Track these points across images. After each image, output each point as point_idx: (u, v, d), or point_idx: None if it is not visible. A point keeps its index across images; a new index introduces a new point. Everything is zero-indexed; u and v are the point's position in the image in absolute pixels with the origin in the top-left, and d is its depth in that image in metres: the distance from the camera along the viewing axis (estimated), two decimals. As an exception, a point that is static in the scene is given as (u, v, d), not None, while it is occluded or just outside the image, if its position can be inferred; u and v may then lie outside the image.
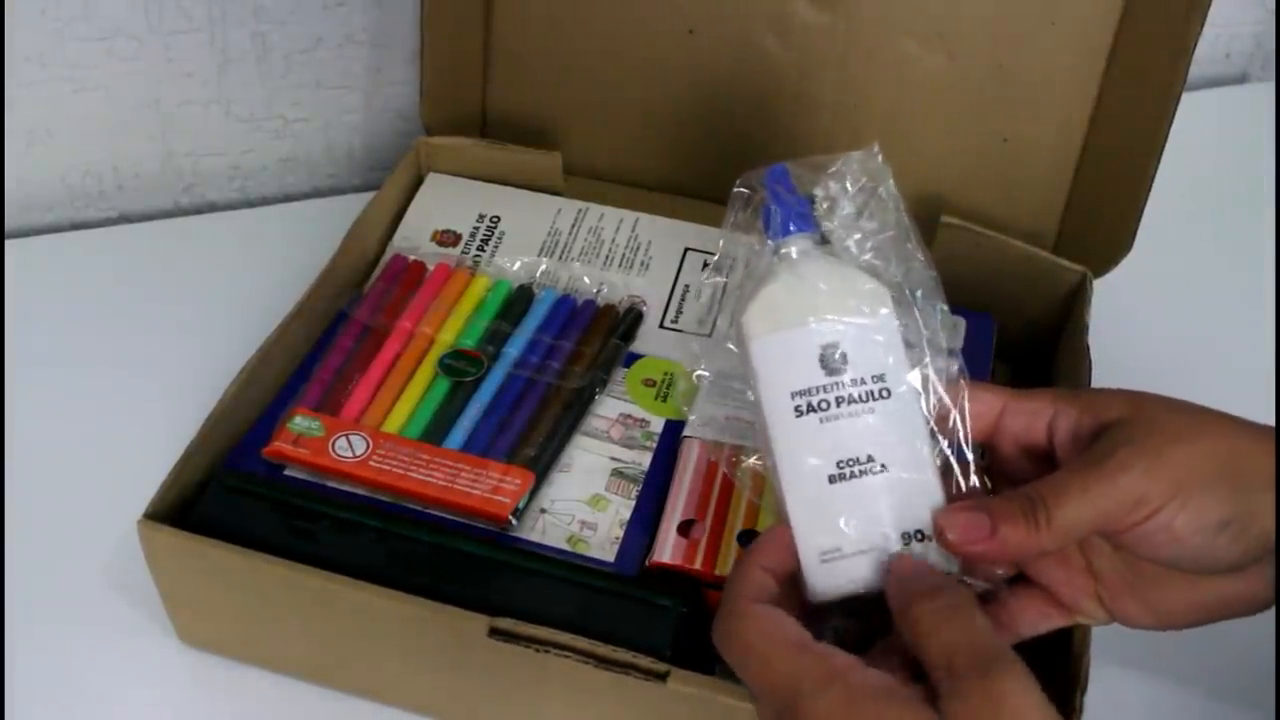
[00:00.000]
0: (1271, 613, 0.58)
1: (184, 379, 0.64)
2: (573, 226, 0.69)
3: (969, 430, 0.45)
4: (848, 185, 0.46)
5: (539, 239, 0.68)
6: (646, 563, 0.54)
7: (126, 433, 0.65)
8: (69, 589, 0.59)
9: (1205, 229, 0.81)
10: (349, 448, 0.56)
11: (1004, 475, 0.46)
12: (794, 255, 0.45)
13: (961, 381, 0.45)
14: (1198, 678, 0.58)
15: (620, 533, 0.55)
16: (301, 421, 0.57)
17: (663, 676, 0.48)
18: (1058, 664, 0.51)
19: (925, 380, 0.44)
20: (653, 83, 0.71)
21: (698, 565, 0.53)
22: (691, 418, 0.58)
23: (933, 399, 0.44)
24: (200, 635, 0.57)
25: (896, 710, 0.39)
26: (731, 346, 0.46)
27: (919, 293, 0.45)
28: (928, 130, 0.69)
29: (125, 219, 0.82)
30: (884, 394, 0.43)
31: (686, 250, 0.68)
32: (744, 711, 0.47)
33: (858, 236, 0.45)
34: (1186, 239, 0.79)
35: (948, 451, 0.45)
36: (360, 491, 0.56)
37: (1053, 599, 0.46)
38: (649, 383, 0.61)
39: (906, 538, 0.43)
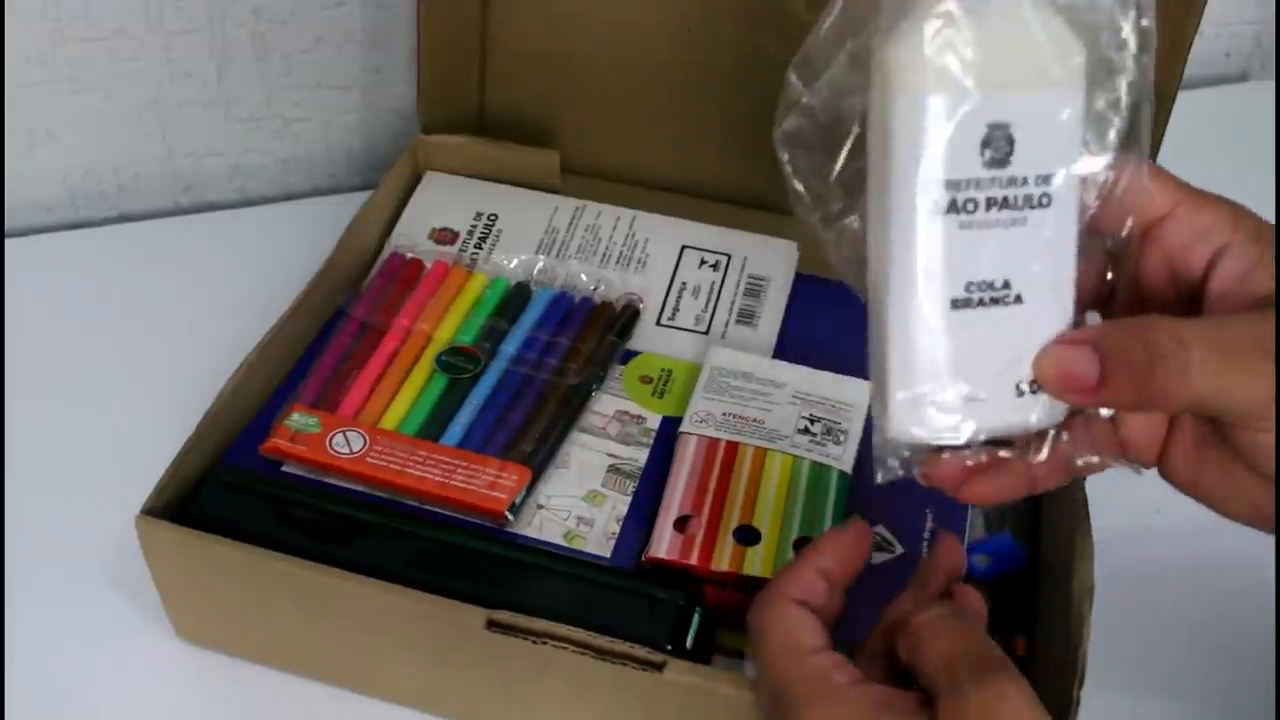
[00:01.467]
0: (1271, 610, 0.59)
1: (183, 377, 0.64)
2: (570, 224, 0.69)
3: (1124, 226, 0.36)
4: None
5: (536, 236, 0.68)
6: (643, 558, 0.54)
7: (125, 430, 0.65)
8: (67, 585, 0.59)
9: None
10: (346, 444, 0.56)
11: (1135, 289, 0.39)
12: None
13: (1134, 165, 0.36)
14: (1198, 677, 0.58)
15: (617, 528, 0.55)
16: (299, 418, 0.57)
17: (660, 667, 0.48)
18: (1055, 656, 0.51)
19: (1089, 175, 0.35)
20: (650, 81, 0.71)
21: (693, 560, 0.53)
22: (688, 413, 0.58)
23: (1095, 192, 0.35)
24: (198, 631, 0.57)
25: (893, 718, 0.39)
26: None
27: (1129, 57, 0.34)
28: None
29: (125, 219, 0.82)
30: (1044, 201, 0.34)
31: (683, 248, 0.68)
32: (741, 702, 0.47)
33: None
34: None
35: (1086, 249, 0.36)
36: (358, 487, 0.56)
37: (1111, 433, 0.39)
38: (646, 379, 0.61)
39: (1020, 389, 0.36)
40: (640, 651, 0.48)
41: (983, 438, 0.37)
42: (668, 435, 0.58)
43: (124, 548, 0.54)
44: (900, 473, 0.38)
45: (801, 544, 0.53)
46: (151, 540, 0.52)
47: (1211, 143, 0.83)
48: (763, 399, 0.58)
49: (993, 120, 0.33)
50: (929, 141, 0.33)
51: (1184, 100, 0.64)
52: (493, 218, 0.69)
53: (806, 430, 0.57)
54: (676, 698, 0.48)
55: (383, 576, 0.50)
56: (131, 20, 0.74)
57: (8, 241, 0.77)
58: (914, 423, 0.36)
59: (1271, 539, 0.40)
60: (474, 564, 0.52)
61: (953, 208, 0.34)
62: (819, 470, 0.55)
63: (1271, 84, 0.93)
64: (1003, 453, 0.38)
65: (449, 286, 0.64)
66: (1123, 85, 0.35)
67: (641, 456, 0.58)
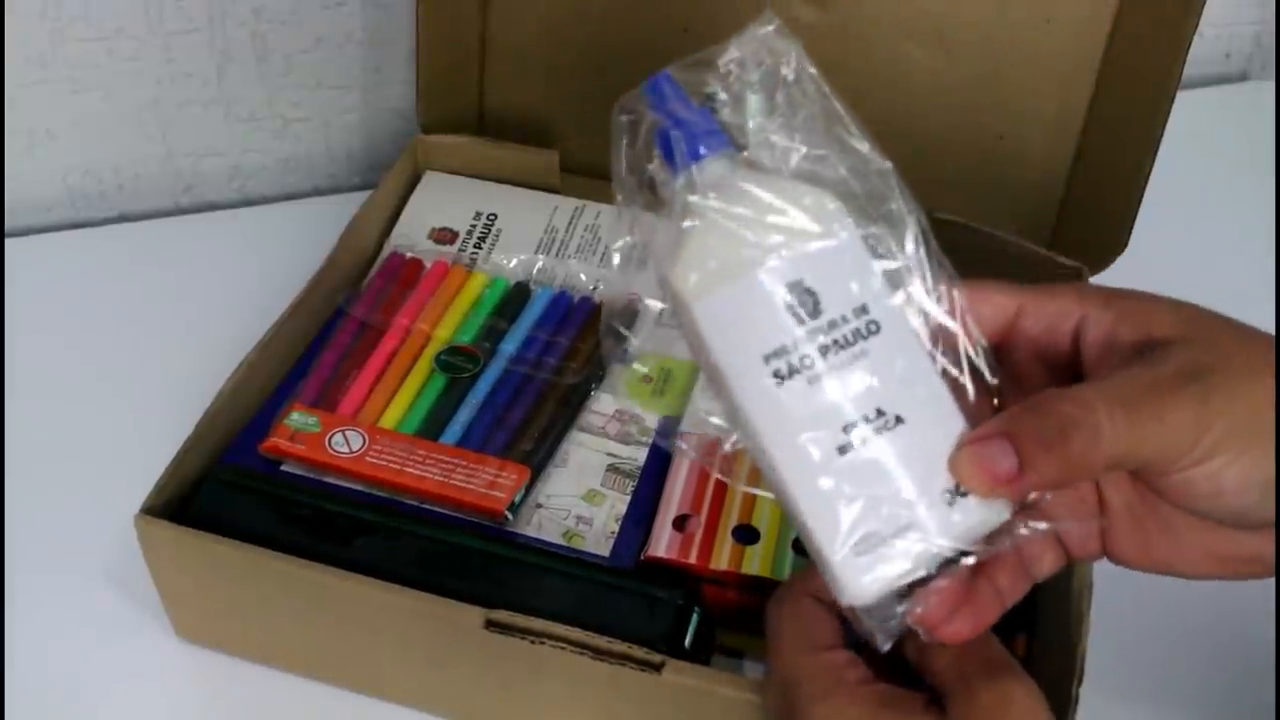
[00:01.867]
0: (1272, 609, 0.59)
1: (182, 376, 0.64)
2: (569, 224, 0.69)
3: (976, 338, 0.37)
4: (749, 73, 0.37)
5: (535, 236, 0.68)
6: (641, 557, 0.54)
7: (125, 429, 0.65)
8: (66, 584, 0.59)
9: (1204, 228, 0.81)
10: (346, 443, 0.56)
11: (1018, 389, 0.39)
12: (713, 182, 0.36)
13: (957, 287, 0.37)
14: (1197, 676, 0.58)
15: (616, 528, 0.55)
16: (298, 417, 0.57)
17: (658, 667, 0.48)
18: (1054, 655, 0.51)
19: (912, 298, 0.36)
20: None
21: (693, 559, 0.53)
22: (688, 412, 0.58)
23: (929, 317, 0.37)
24: (197, 630, 0.57)
25: (898, 717, 0.39)
26: (663, 316, 0.37)
27: (873, 189, 0.37)
28: (924, 128, 0.70)
29: (125, 219, 0.82)
30: (873, 328, 0.36)
31: (683, 248, 0.68)
32: (740, 702, 0.47)
33: (778, 136, 0.36)
34: (1185, 238, 0.79)
35: (955, 371, 0.36)
36: (357, 487, 0.56)
37: (1053, 538, 0.40)
38: (645, 379, 0.61)
39: (948, 499, 0.36)
40: (639, 652, 0.48)
41: (936, 558, 0.37)
42: (666, 434, 0.58)
43: (123, 547, 0.54)
44: (899, 631, 0.38)
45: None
46: (151, 539, 0.53)
47: (1211, 143, 0.83)
48: None
49: (788, 282, 0.35)
50: (737, 329, 0.35)
51: (1184, 100, 0.64)
52: (492, 217, 0.69)
53: None
54: (675, 698, 0.48)
55: (382, 576, 0.50)
56: (131, 20, 0.74)
57: (8, 241, 0.77)
58: (866, 577, 0.36)
59: (1273, 540, 0.40)
60: (473, 563, 0.52)
61: (791, 371, 0.35)
62: None
63: (1271, 84, 0.93)
64: (967, 560, 0.37)
65: (448, 286, 0.64)
66: (892, 207, 0.37)
67: (641, 456, 0.58)
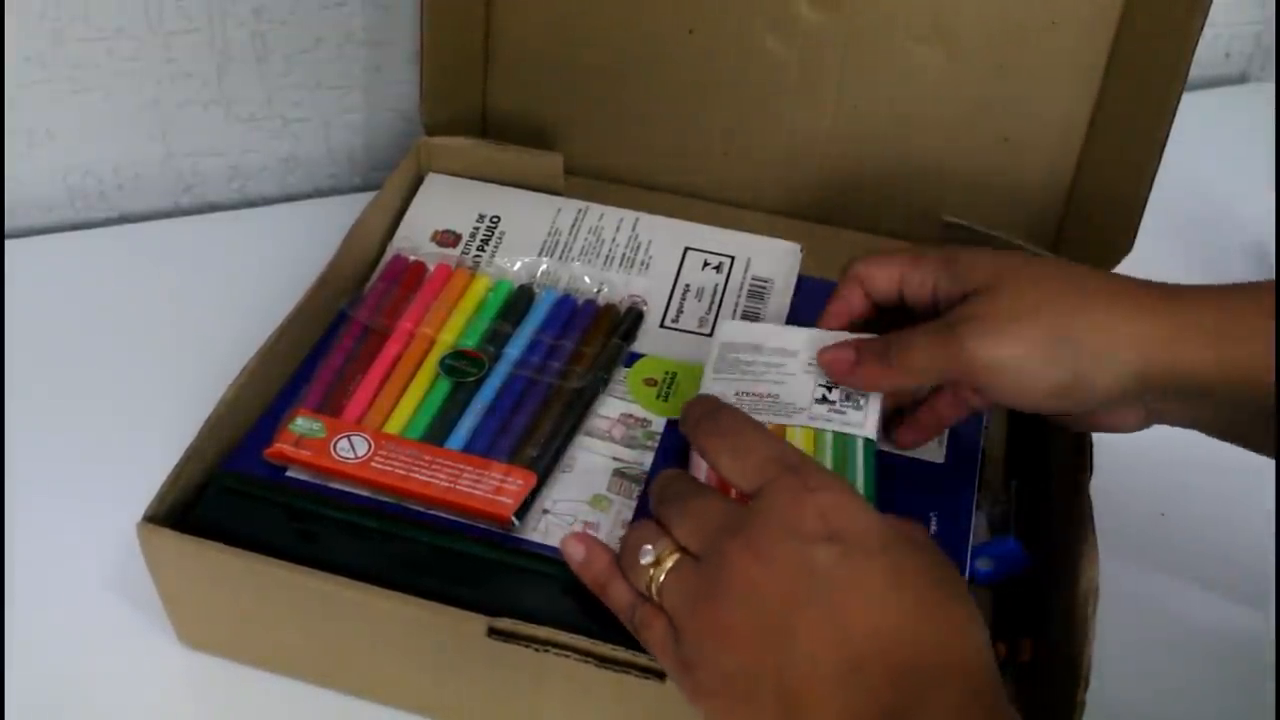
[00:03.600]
0: (1272, 610, 0.59)
1: (184, 379, 0.64)
2: (573, 226, 0.69)
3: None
4: None
5: (539, 239, 0.68)
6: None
7: (126, 434, 0.65)
8: (69, 591, 0.59)
9: (1205, 229, 0.81)
10: (351, 449, 0.56)
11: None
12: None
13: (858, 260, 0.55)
14: (1201, 679, 0.58)
15: (623, 532, 0.55)
16: (303, 423, 0.57)
17: (662, 675, 0.48)
18: (1059, 660, 0.51)
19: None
20: (653, 83, 0.71)
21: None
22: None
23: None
24: (201, 637, 0.57)
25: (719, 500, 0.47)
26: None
27: None
28: (929, 130, 0.70)
29: (125, 219, 0.82)
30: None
31: (687, 249, 0.68)
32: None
33: None
34: (1187, 239, 0.79)
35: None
36: (362, 493, 0.56)
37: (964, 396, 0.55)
38: (650, 382, 0.61)
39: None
40: (642, 659, 0.48)
41: None
42: (673, 438, 0.58)
43: (126, 554, 0.54)
44: None
45: None
46: (153, 547, 0.52)
47: (1211, 143, 0.83)
48: (776, 371, 0.56)
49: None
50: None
51: (1184, 101, 0.64)
52: (495, 220, 0.69)
53: (824, 399, 0.55)
54: (678, 706, 0.48)
55: (385, 582, 0.50)
56: (131, 20, 0.74)
57: (8, 242, 0.77)
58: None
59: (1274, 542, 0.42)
60: (476, 570, 0.52)
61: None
62: (843, 441, 0.54)
63: (1271, 85, 0.93)
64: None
65: (452, 289, 0.64)
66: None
67: (646, 460, 0.57)
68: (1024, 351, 0.48)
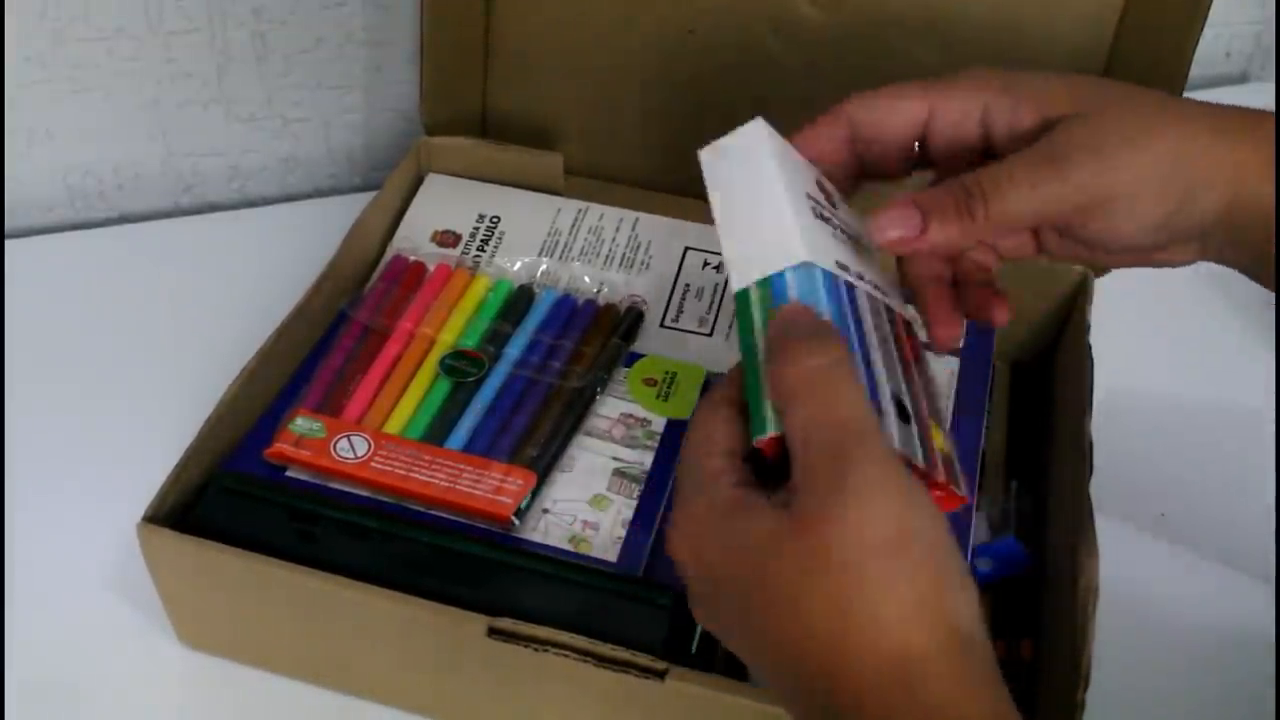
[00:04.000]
0: (1272, 611, 0.59)
1: (184, 380, 0.64)
2: (573, 226, 0.69)
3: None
4: None
5: (539, 239, 0.68)
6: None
7: (126, 434, 0.65)
8: (69, 591, 0.59)
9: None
10: (351, 449, 0.56)
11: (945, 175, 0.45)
12: None
13: (859, 97, 0.46)
14: (1202, 679, 0.58)
15: (623, 532, 0.55)
16: (303, 423, 0.57)
17: (661, 675, 0.48)
18: (1059, 660, 0.51)
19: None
20: (653, 83, 0.71)
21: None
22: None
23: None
24: (201, 637, 0.57)
25: (741, 524, 0.37)
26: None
27: None
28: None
29: (125, 219, 0.82)
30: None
31: (686, 249, 0.68)
32: (744, 709, 0.47)
33: None
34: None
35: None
36: (362, 493, 0.56)
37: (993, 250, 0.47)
38: (650, 382, 0.61)
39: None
40: (642, 659, 0.48)
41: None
42: (673, 438, 0.58)
43: (126, 554, 0.54)
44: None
45: None
46: (153, 547, 0.52)
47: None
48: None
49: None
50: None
51: (1185, 101, 0.64)
52: (495, 220, 0.69)
53: None
54: (678, 705, 0.48)
55: (386, 582, 0.50)
56: (131, 20, 0.74)
57: (8, 241, 0.77)
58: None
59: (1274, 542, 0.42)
60: (476, 570, 0.52)
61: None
62: None
63: (1271, 85, 0.93)
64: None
65: (452, 289, 0.64)
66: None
67: (646, 460, 0.57)
68: (1143, 179, 0.42)
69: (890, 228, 0.42)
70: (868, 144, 0.46)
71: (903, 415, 0.40)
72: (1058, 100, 0.44)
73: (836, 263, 0.41)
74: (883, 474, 0.36)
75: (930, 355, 0.46)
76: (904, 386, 0.42)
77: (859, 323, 0.41)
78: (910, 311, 0.46)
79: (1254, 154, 0.43)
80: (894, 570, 0.35)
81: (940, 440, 0.42)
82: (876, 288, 0.44)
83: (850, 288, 0.42)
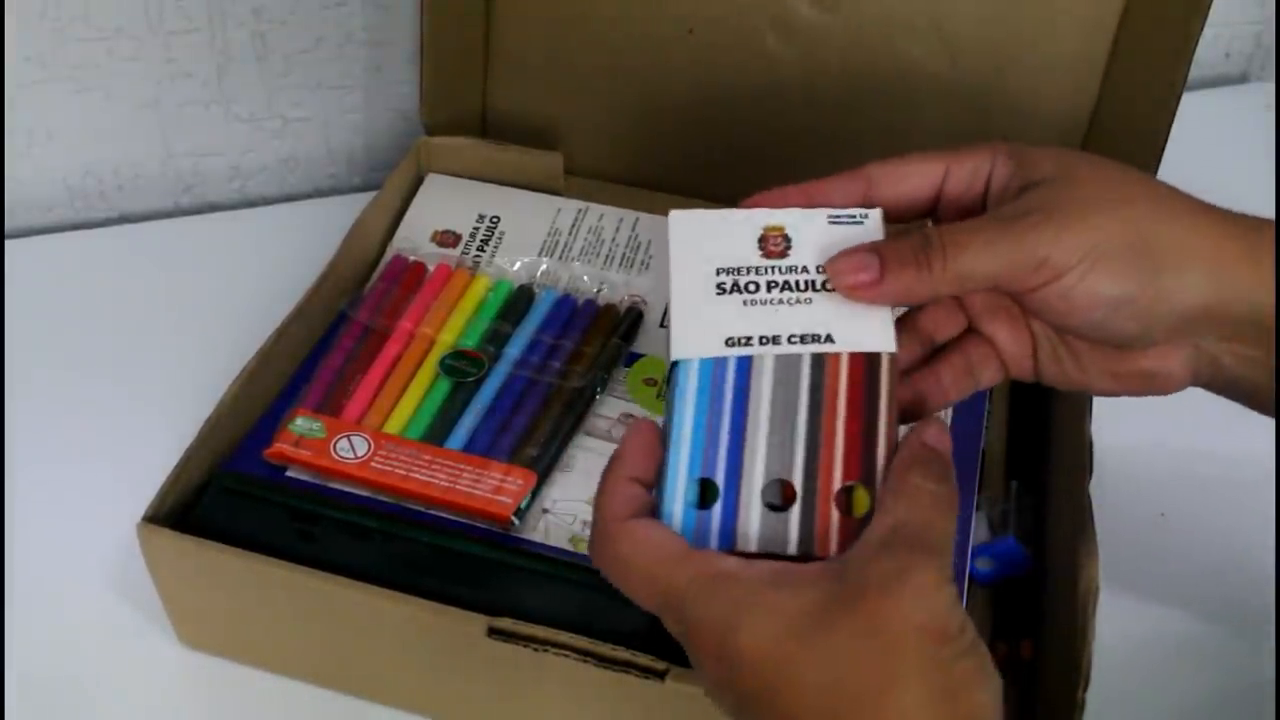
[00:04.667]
0: (1272, 614, 0.59)
1: (184, 380, 0.64)
2: (573, 226, 0.69)
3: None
4: None
5: (539, 239, 0.68)
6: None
7: (126, 434, 0.65)
8: (69, 591, 0.59)
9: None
10: (351, 449, 0.56)
11: None
12: None
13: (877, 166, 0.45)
14: (1201, 679, 0.58)
15: (621, 533, 0.55)
16: (303, 423, 0.57)
17: (661, 675, 0.48)
18: (1059, 660, 0.51)
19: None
20: (653, 83, 0.71)
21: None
22: None
23: None
24: (201, 637, 0.57)
25: (791, 591, 0.38)
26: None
27: None
28: (928, 130, 0.69)
29: (125, 219, 0.82)
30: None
31: (687, 250, 0.68)
32: (745, 712, 0.47)
33: None
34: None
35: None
36: (362, 493, 0.56)
37: (995, 352, 0.46)
38: (650, 382, 0.61)
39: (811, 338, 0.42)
40: (642, 659, 0.48)
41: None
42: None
43: (126, 554, 0.54)
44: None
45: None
46: (153, 547, 0.52)
47: (1212, 143, 0.83)
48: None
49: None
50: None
51: (1184, 100, 0.64)
52: (495, 220, 0.69)
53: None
54: (678, 706, 0.48)
55: (385, 582, 0.50)
56: (131, 20, 0.74)
57: (8, 242, 0.77)
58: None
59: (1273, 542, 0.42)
60: (477, 570, 0.52)
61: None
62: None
63: (1271, 85, 0.93)
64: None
65: (452, 289, 0.64)
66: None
67: (645, 460, 0.57)
68: (1096, 249, 0.41)
69: (849, 273, 0.43)
70: (883, 204, 0.45)
71: (782, 500, 0.41)
72: (1043, 165, 0.43)
73: (727, 340, 0.42)
74: (939, 581, 0.38)
75: None
76: (800, 458, 0.41)
77: (740, 400, 0.42)
78: (888, 337, 0.44)
79: (1236, 242, 0.42)
80: (938, 655, 0.37)
81: (862, 503, 0.41)
82: (806, 338, 0.43)
83: (745, 361, 0.42)
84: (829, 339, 0.43)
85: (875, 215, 0.44)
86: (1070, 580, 0.52)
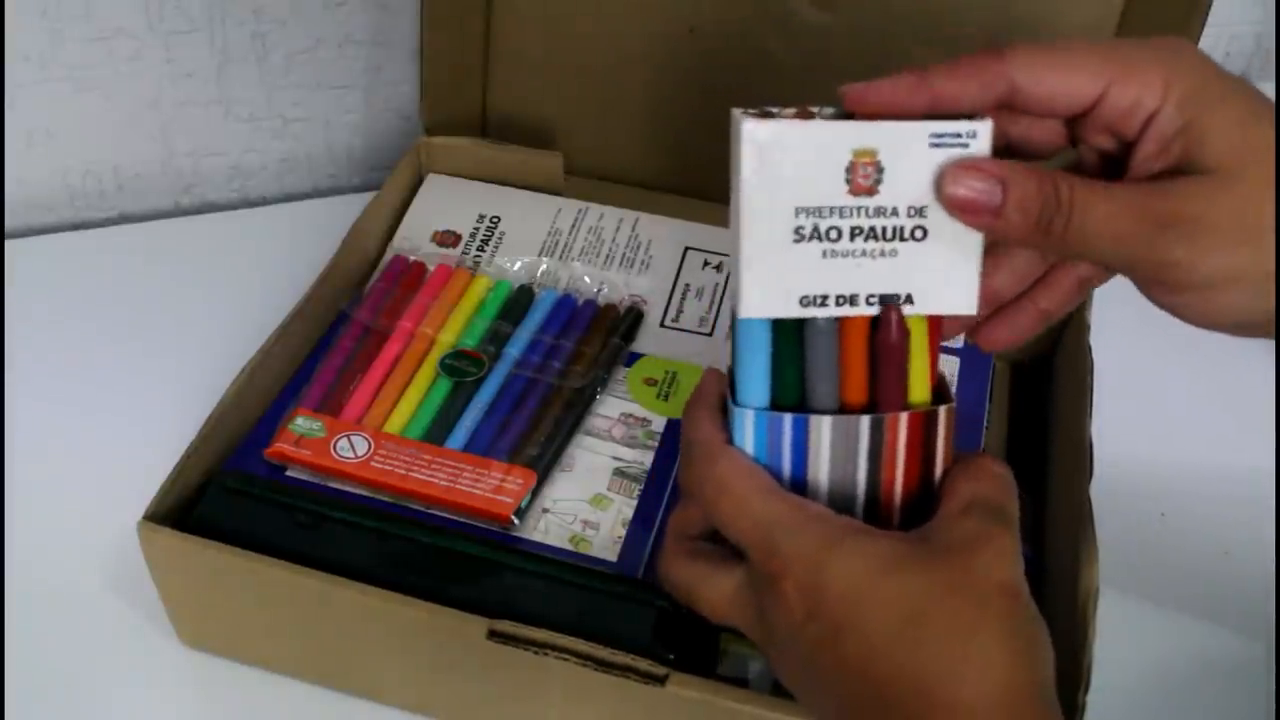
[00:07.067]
0: (1272, 612, 0.59)
1: (184, 379, 0.64)
2: (573, 226, 0.69)
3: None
4: None
5: (539, 239, 0.68)
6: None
7: (127, 433, 0.65)
8: (69, 590, 0.59)
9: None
10: (351, 448, 0.56)
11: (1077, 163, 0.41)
12: None
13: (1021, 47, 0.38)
14: (1202, 680, 0.58)
15: (623, 532, 0.55)
16: (303, 422, 0.57)
17: (661, 679, 0.48)
18: (1060, 662, 0.51)
19: None
20: (653, 82, 0.71)
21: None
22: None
23: None
24: (201, 637, 0.56)
25: (880, 539, 0.39)
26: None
27: None
28: (928, 130, 0.69)
29: (125, 219, 0.82)
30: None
31: (687, 249, 0.68)
32: (744, 715, 0.47)
33: None
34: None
35: None
36: (362, 492, 0.56)
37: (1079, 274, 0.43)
38: (650, 382, 0.61)
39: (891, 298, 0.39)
40: (642, 663, 0.48)
41: None
42: (673, 437, 0.58)
43: (126, 553, 0.54)
44: None
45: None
46: (153, 546, 0.52)
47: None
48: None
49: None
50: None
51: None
52: (495, 220, 0.69)
53: None
54: (679, 710, 0.48)
55: (385, 582, 0.50)
56: (131, 20, 0.74)
57: (8, 242, 0.77)
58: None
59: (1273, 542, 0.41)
60: (476, 571, 0.52)
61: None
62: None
63: (1272, 85, 0.93)
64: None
65: (452, 289, 0.64)
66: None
67: (647, 459, 0.57)
68: (1238, 271, 0.37)
69: (964, 182, 0.37)
70: (1017, 119, 0.40)
71: None
72: (1215, 143, 0.38)
73: (802, 299, 0.39)
74: (1015, 549, 0.40)
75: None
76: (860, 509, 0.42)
77: (799, 462, 0.41)
78: (971, 298, 0.40)
79: None
80: (1016, 612, 0.38)
81: None
82: (885, 299, 0.39)
83: (802, 423, 0.41)
84: (909, 299, 0.39)
85: (984, 132, 0.38)
86: (1070, 581, 0.52)
